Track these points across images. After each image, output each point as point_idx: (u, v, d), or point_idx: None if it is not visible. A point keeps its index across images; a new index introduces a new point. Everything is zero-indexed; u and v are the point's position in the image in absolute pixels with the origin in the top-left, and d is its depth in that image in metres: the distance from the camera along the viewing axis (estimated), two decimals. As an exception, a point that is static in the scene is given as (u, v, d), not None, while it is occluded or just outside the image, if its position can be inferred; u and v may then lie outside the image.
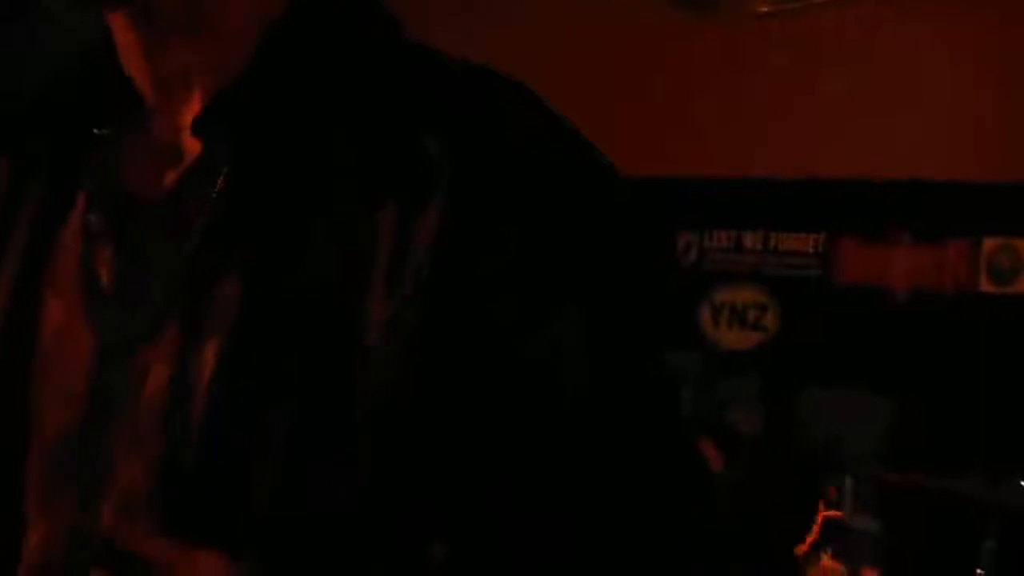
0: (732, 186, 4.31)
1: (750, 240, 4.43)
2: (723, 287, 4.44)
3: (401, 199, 1.05)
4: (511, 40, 4.17)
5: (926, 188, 4.09)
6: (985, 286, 4.10)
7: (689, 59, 4.24)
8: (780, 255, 4.40)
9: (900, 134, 4.09)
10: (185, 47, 1.12)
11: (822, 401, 4.32)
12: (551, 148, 1.08)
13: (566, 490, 1.06)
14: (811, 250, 4.35)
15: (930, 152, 4.06)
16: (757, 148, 4.19)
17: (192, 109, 1.13)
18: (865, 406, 4.21)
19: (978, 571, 3.38)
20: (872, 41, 4.15)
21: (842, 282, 4.29)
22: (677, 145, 4.24)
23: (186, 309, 1.08)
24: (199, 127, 1.11)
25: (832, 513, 4.06)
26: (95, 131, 1.18)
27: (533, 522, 1.06)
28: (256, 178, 1.09)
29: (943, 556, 3.60)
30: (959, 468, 3.70)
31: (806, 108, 4.15)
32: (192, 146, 1.13)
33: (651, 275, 1.11)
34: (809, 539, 4.19)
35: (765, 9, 4.15)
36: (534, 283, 1.05)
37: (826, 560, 4.22)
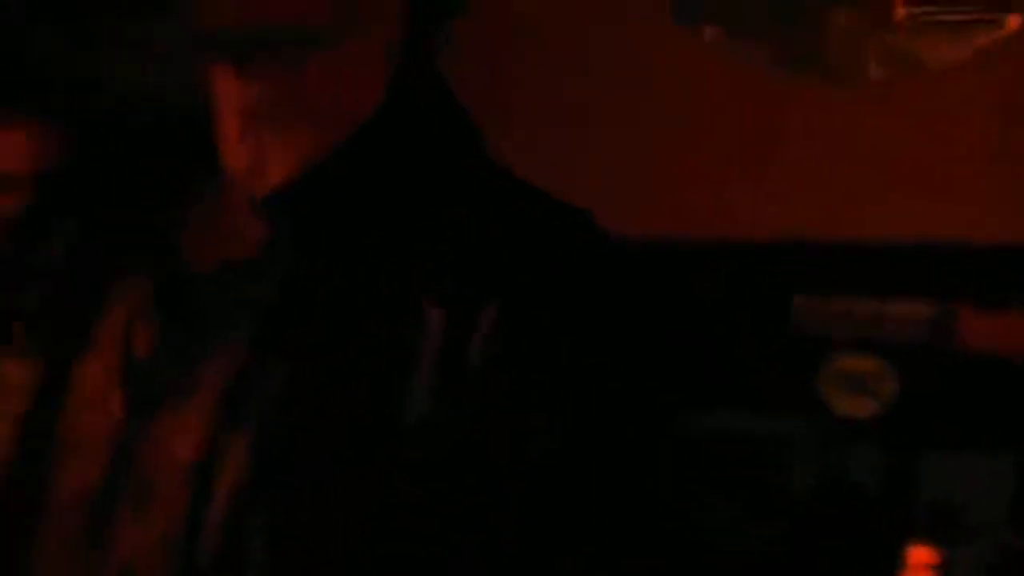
0: (847, 250, 4.29)
1: (865, 306, 4.39)
2: (839, 354, 4.40)
3: (452, 303, 1.08)
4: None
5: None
6: (1109, 349, 4.03)
7: (803, 124, 4.24)
8: (897, 322, 4.36)
9: (1013, 195, 4.05)
10: (278, 135, 1.16)
11: (943, 468, 4.26)
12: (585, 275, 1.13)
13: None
14: (929, 317, 4.31)
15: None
16: (871, 211, 4.17)
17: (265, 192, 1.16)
18: (987, 473, 4.13)
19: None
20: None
21: (962, 349, 4.24)
22: (790, 210, 4.24)
23: (226, 388, 1.08)
24: (267, 207, 1.13)
25: None
26: (169, 210, 1.21)
27: None
28: (314, 268, 1.12)
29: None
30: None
31: (920, 170, 4.13)
32: (255, 226, 1.15)
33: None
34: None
35: (880, 73, 4.14)
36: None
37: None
